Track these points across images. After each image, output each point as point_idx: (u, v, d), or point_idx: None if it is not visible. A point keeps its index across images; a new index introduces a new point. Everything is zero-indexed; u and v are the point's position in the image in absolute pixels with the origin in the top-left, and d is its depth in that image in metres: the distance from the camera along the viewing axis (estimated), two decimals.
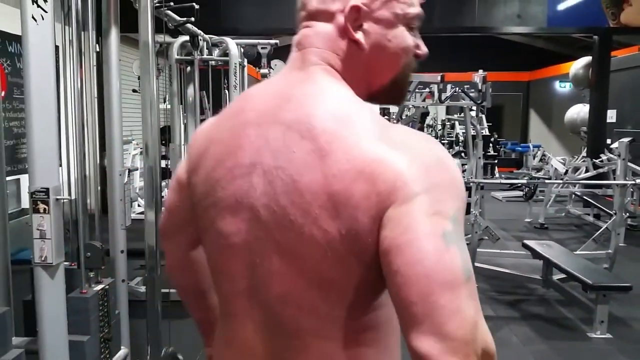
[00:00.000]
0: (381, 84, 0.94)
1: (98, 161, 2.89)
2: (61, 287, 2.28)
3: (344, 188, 0.77)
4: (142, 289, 4.16)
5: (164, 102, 6.10)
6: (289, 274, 0.83)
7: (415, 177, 0.76)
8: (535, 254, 4.72)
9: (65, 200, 2.31)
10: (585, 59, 9.96)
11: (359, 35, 0.90)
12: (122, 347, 2.98)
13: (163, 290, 2.94)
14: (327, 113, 0.83)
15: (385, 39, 0.91)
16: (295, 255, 0.82)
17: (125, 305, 3.03)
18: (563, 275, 4.38)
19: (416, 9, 0.93)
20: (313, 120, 0.82)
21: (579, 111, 10.47)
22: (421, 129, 10.49)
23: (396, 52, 0.93)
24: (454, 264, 0.71)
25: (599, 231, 5.16)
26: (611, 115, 9.21)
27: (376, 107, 0.89)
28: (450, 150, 11.65)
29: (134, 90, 6.98)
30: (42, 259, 2.18)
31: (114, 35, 2.98)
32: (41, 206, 2.18)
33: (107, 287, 2.71)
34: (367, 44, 0.90)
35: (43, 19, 2.13)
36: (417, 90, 7.10)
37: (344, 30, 0.90)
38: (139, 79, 3.08)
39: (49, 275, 2.21)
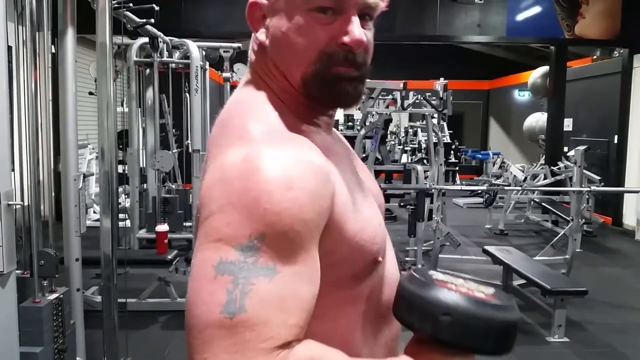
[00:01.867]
0: (295, 81, 0.83)
1: (52, 166, 2.81)
2: (13, 297, 2.21)
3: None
4: (98, 298, 4.05)
5: (122, 105, 5.98)
6: None
7: (213, 196, 0.71)
8: (496, 260, 4.79)
9: (17, 206, 2.24)
10: (543, 69, 10.19)
11: (259, 33, 0.85)
12: (77, 358, 2.90)
13: (120, 300, 2.88)
14: (218, 120, 0.85)
15: (280, 31, 0.81)
16: None
17: (81, 315, 2.94)
18: (523, 281, 4.45)
19: None
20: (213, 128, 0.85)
21: (537, 119, 10.71)
22: (385, 136, 10.56)
23: (293, 45, 0.81)
24: (211, 300, 0.64)
25: (557, 237, 5.27)
26: (568, 124, 9.46)
27: (265, 108, 0.81)
28: (413, 157, 11.77)
29: (91, 93, 6.83)
30: None
31: (70, 36, 2.90)
32: None
33: (61, 296, 2.63)
34: (267, 40, 0.84)
35: None
36: (380, 97, 7.16)
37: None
38: (95, 81, 3.00)
39: (0, 284, 2.13)
